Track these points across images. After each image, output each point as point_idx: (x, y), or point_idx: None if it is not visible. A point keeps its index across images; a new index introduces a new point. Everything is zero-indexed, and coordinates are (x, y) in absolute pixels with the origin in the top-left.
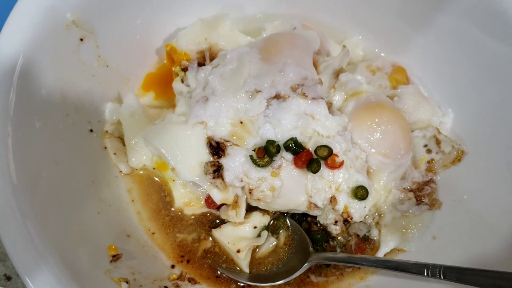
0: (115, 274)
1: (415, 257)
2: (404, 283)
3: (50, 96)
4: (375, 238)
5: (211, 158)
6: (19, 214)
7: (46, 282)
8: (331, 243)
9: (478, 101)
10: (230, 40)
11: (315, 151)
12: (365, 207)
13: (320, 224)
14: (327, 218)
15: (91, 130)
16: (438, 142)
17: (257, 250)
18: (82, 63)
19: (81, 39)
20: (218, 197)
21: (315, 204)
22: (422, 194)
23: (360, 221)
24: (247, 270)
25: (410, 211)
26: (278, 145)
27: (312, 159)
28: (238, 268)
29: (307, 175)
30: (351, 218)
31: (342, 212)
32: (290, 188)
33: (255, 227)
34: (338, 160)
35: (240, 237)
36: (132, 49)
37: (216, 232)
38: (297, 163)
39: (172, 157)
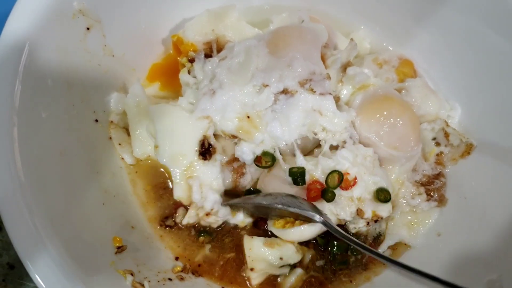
0: (120, 266)
1: (419, 253)
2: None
3: (55, 86)
4: (382, 232)
5: (196, 157)
6: (24, 204)
7: (48, 269)
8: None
9: (485, 96)
10: (237, 32)
11: (326, 182)
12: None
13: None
14: (358, 223)
15: (96, 120)
16: (446, 135)
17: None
18: (88, 53)
19: (88, 28)
20: (178, 193)
21: (344, 220)
22: (432, 188)
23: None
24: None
25: (420, 206)
26: (273, 156)
27: (324, 189)
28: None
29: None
30: (381, 218)
31: (372, 217)
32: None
33: (281, 258)
34: (350, 177)
35: (262, 258)
36: (139, 39)
37: (246, 239)
38: (308, 197)
39: (161, 136)
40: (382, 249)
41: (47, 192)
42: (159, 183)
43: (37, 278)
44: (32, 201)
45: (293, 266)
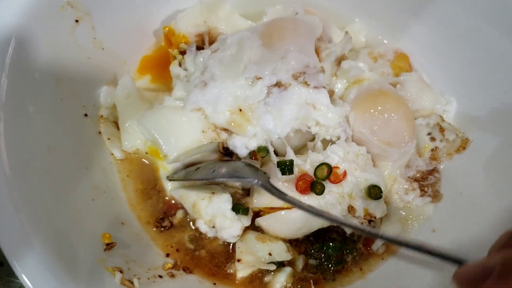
0: (109, 263)
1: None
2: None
3: (43, 80)
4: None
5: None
6: (10, 201)
7: (34, 267)
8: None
9: (482, 90)
10: (230, 24)
11: (314, 173)
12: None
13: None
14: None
15: (86, 115)
16: (442, 130)
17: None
18: (77, 46)
19: (77, 21)
20: None
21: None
22: (426, 184)
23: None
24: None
25: (414, 202)
26: (267, 150)
27: (313, 182)
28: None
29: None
30: (375, 217)
31: (364, 215)
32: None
33: (270, 254)
34: (340, 171)
35: (251, 251)
36: (129, 31)
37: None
38: (299, 190)
39: (165, 143)
40: (376, 245)
41: (34, 189)
42: (148, 180)
43: (24, 277)
44: (19, 198)
45: (281, 265)
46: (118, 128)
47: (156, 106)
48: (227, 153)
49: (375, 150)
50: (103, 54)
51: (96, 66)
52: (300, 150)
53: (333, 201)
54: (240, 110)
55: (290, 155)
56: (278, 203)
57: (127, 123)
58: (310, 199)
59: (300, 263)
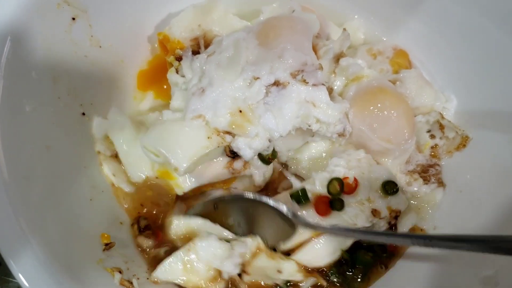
0: (108, 264)
1: None
2: None
3: (40, 79)
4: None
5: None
6: (7, 201)
7: (31, 267)
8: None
9: (482, 88)
10: (225, 25)
11: (328, 191)
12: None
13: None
14: (381, 227)
15: (83, 114)
16: (441, 128)
17: None
18: (74, 44)
19: (73, 18)
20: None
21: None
22: (427, 175)
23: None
24: None
25: (420, 191)
26: (274, 150)
27: (331, 200)
28: None
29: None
30: (400, 212)
31: (390, 213)
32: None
33: (279, 271)
34: (350, 180)
35: (260, 266)
36: (127, 29)
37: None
38: (321, 213)
39: (172, 155)
40: None
41: (32, 189)
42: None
43: (21, 278)
44: (16, 198)
45: (289, 284)
46: (119, 161)
47: (155, 123)
48: (234, 156)
49: (375, 147)
50: (100, 52)
51: (94, 64)
52: (300, 148)
53: (355, 211)
54: (240, 111)
55: (296, 184)
56: (305, 235)
57: (128, 154)
58: (333, 219)
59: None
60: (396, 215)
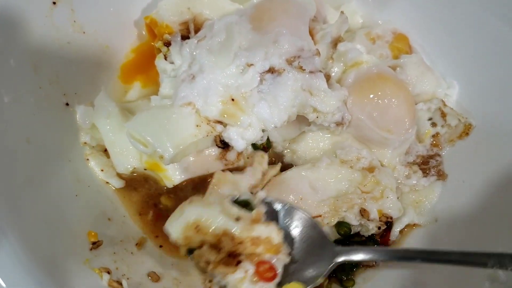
0: (95, 264)
1: (430, 231)
2: None
3: (20, 67)
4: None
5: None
6: None
7: (11, 269)
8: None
9: (485, 73)
10: (216, 8)
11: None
12: (398, 197)
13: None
14: (369, 230)
15: (67, 104)
16: (443, 115)
17: None
18: (56, 29)
19: (54, 3)
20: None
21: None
22: (427, 167)
23: None
24: None
25: (419, 184)
26: (269, 140)
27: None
28: None
29: None
30: (391, 218)
31: (380, 218)
32: None
33: None
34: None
35: None
36: (111, 14)
37: None
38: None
39: (158, 143)
40: (395, 235)
41: (11, 184)
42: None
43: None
44: None
45: None
46: (107, 156)
47: (143, 109)
48: (225, 147)
49: (374, 137)
50: (84, 38)
51: (77, 51)
52: (296, 138)
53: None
54: (233, 99)
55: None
56: None
57: (115, 144)
58: None
59: None
60: (387, 221)
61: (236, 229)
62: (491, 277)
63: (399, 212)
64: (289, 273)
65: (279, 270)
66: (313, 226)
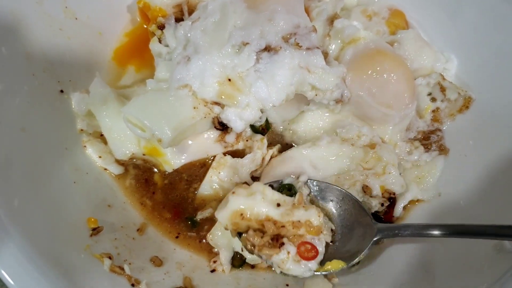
0: (96, 250)
1: (434, 206)
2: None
3: (11, 55)
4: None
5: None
6: None
7: (14, 260)
8: None
9: (482, 46)
10: None
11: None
12: (401, 174)
13: None
14: (372, 207)
15: (62, 91)
16: (443, 90)
17: None
18: (48, 16)
19: None
20: None
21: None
22: (428, 142)
23: None
24: None
25: (421, 159)
26: (267, 121)
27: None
28: None
29: None
30: (394, 194)
31: (382, 194)
32: None
33: None
34: None
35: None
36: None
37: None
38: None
39: (156, 126)
40: (398, 212)
41: (8, 174)
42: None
43: (2, 271)
44: None
45: None
46: (105, 142)
47: (138, 93)
48: (223, 129)
49: (374, 114)
50: (76, 24)
51: (70, 37)
52: (295, 119)
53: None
54: (229, 80)
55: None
56: None
57: (112, 130)
58: None
59: None
60: (390, 197)
61: (277, 215)
62: (497, 247)
63: (402, 187)
64: (330, 251)
65: (320, 249)
66: (351, 201)
